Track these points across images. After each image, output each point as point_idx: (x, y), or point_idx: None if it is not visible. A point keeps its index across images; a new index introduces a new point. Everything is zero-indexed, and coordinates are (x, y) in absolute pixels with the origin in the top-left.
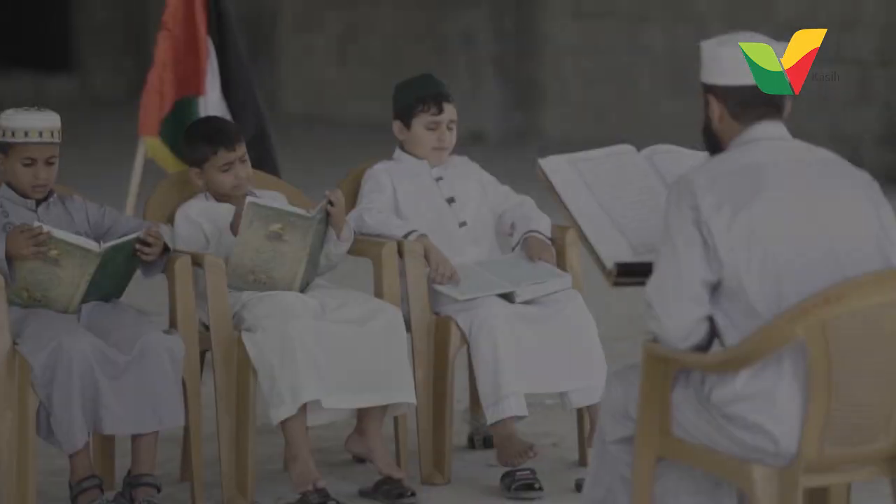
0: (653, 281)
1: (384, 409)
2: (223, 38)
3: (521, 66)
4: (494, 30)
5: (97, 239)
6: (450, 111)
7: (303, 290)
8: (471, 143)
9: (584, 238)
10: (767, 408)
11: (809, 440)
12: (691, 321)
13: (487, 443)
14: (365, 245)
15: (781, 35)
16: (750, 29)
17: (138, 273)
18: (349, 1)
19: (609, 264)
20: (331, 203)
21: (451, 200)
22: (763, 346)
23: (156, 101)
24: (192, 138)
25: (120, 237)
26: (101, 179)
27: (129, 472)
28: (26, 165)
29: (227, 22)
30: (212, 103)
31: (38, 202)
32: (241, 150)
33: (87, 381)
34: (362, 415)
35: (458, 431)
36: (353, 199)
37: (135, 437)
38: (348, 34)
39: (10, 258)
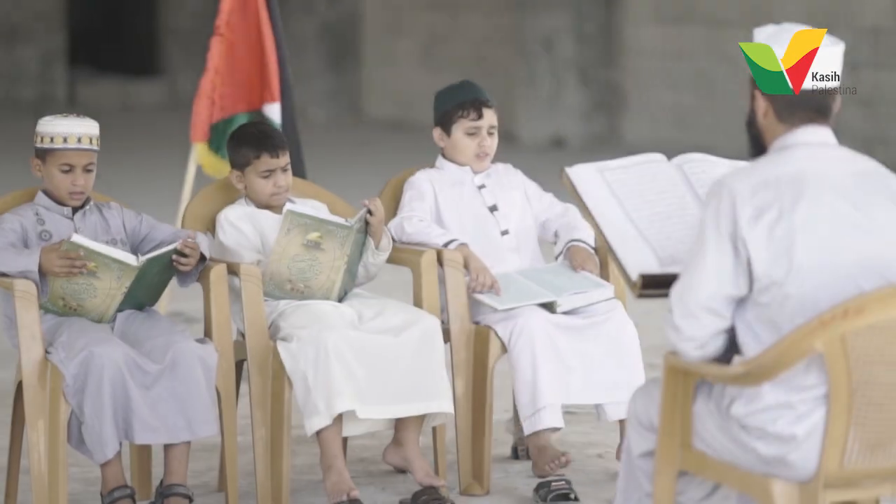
0: (677, 287)
1: (421, 419)
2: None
3: (603, 71)
4: (576, 34)
5: (133, 246)
6: (490, 116)
7: (340, 299)
8: (552, 148)
9: (609, 248)
10: (787, 417)
11: (830, 455)
12: (709, 333)
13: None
14: (404, 254)
15: (863, 39)
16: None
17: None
18: (433, 6)
19: (634, 275)
20: (369, 212)
21: (493, 209)
22: (782, 360)
23: (207, 106)
24: (238, 141)
25: (157, 245)
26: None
27: (162, 482)
28: (64, 172)
29: (275, 24)
30: (276, 110)
31: (75, 210)
32: (285, 159)
33: (118, 390)
34: (399, 425)
35: (503, 442)
36: (394, 208)
37: (167, 447)
38: (432, 39)
39: (42, 272)
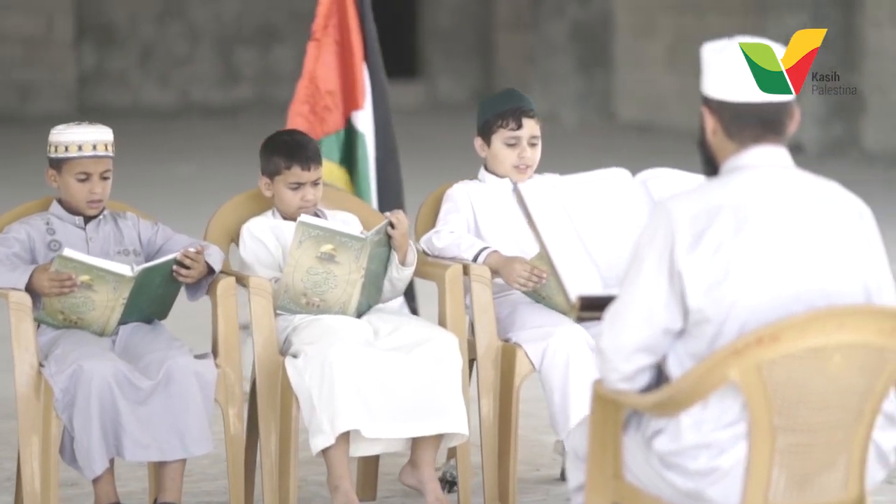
0: (611, 312)
1: (438, 440)
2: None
3: (842, 75)
4: None
5: (149, 257)
6: (530, 127)
7: (361, 314)
8: (790, 154)
9: (552, 268)
10: (708, 454)
11: (752, 490)
12: (636, 369)
13: None
14: (430, 267)
15: None
16: None
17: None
18: (681, 7)
19: (573, 297)
20: (391, 225)
21: None
22: (696, 389)
23: (303, 112)
24: (272, 148)
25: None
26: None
27: (155, 499)
28: (81, 181)
29: (366, 28)
30: (364, 117)
31: (87, 220)
32: (317, 173)
33: (106, 405)
34: (415, 445)
35: (554, 463)
36: (434, 220)
37: (161, 465)
38: (679, 41)
39: (33, 291)
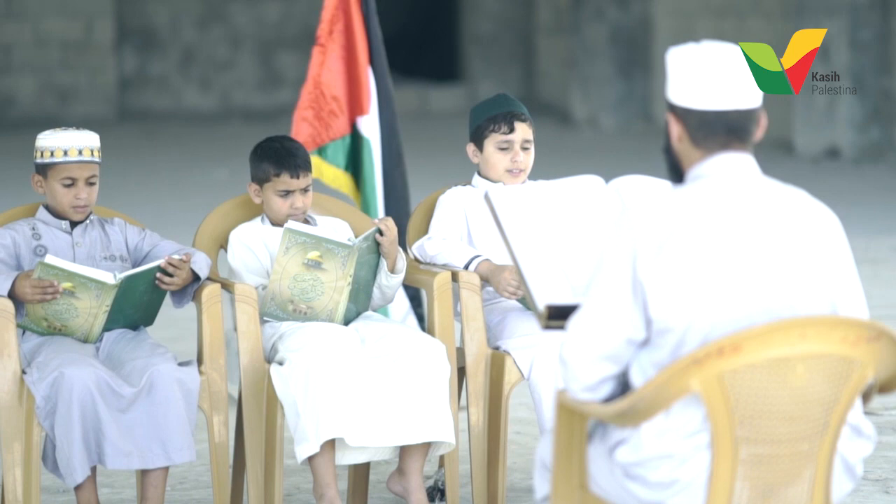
0: (574, 321)
1: (426, 448)
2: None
3: (879, 79)
4: (850, 42)
5: (136, 263)
6: (523, 131)
7: (349, 321)
8: (826, 160)
9: (521, 277)
10: (669, 464)
11: (715, 502)
12: (599, 379)
13: None
14: (419, 274)
15: None
16: None
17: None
18: (721, 11)
19: (541, 306)
20: (380, 232)
21: None
22: (657, 399)
23: (308, 117)
24: (261, 155)
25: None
26: None
27: None
28: (66, 186)
29: (371, 32)
30: (369, 122)
31: (74, 224)
32: (306, 181)
33: (88, 412)
34: (403, 454)
35: None
36: (426, 227)
37: (144, 473)
38: None
39: (16, 298)
